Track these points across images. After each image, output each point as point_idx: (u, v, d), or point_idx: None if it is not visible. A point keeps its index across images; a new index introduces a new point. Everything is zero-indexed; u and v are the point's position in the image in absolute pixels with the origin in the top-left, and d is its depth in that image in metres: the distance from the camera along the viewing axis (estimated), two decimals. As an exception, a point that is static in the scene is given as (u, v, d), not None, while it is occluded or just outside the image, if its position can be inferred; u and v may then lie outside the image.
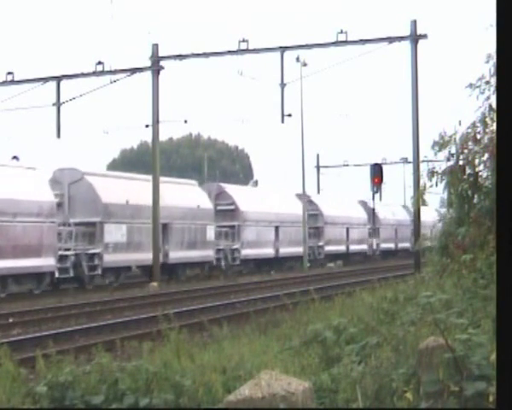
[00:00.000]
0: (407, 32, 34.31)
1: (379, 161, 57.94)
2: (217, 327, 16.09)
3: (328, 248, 58.75)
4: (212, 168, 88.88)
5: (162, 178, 43.18)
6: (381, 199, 70.48)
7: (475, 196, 11.47)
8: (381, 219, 66.92)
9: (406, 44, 34.44)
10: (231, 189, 50.90)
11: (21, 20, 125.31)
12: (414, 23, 34.21)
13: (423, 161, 33.12)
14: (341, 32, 34.30)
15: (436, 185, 11.76)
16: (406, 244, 66.36)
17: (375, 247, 66.41)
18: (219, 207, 47.34)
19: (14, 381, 9.54)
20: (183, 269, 42.44)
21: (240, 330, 15.82)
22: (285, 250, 52.19)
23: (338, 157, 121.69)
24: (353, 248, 62.99)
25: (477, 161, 11.45)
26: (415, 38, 34.06)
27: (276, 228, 51.72)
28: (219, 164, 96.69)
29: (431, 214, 30.55)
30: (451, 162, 11.58)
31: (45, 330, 20.31)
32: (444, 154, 11.71)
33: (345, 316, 12.80)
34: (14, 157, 35.54)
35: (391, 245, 69.71)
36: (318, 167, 76.76)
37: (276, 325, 16.36)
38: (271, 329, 15.84)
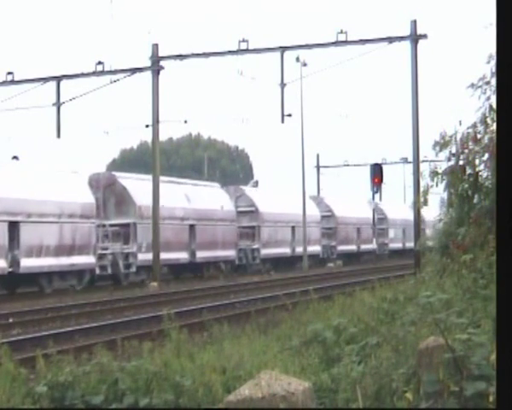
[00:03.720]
0: (407, 32, 34.31)
1: (379, 161, 58.01)
2: (217, 327, 16.08)
3: (341, 247, 61.31)
4: (212, 168, 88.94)
5: (189, 181, 48.71)
6: (380, 199, 70.47)
7: (475, 196, 11.47)
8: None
9: (406, 44, 34.45)
10: (250, 191, 53.33)
11: (21, 20, 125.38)
12: (414, 23, 34.21)
13: (423, 161, 33.20)
14: (341, 32, 34.29)
15: (437, 185, 11.77)
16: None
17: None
18: (240, 209, 49.71)
19: (14, 381, 9.52)
20: (208, 267, 44.52)
21: (240, 330, 15.80)
22: (301, 249, 53.99)
23: (338, 157, 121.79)
24: (364, 247, 65.41)
25: (477, 161, 11.45)
26: (415, 38, 34.05)
27: (293, 228, 53.94)
28: (219, 164, 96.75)
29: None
30: (452, 162, 11.58)
31: (45, 330, 20.30)
32: (444, 154, 11.72)
33: (345, 316, 12.79)
34: (14, 157, 35.58)
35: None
36: (318, 167, 76.71)
37: (276, 325, 16.34)
38: (271, 329, 15.83)
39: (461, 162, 11.48)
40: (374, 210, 61.93)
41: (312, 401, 4.81)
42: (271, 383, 4.63)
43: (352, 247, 63.71)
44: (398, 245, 70.45)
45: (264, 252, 50.35)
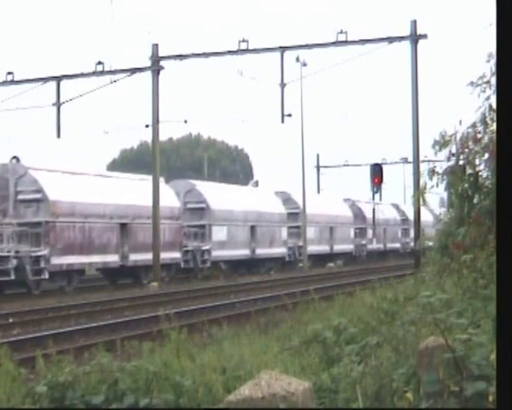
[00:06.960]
0: (407, 32, 34.30)
1: (379, 161, 58.07)
2: (217, 327, 16.07)
3: (370, 246, 68.32)
4: (212, 168, 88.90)
5: (250, 188, 57.95)
6: (381, 199, 70.64)
7: (475, 196, 11.46)
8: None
9: (406, 44, 34.45)
10: (296, 195, 58.71)
11: (21, 20, 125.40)
12: (414, 23, 34.20)
13: (423, 161, 33.16)
14: (341, 32, 34.30)
15: (437, 186, 11.76)
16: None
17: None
18: (287, 211, 55.84)
19: (14, 381, 9.52)
20: (264, 263, 50.42)
21: (240, 330, 15.80)
22: (337, 247, 62.17)
23: (338, 157, 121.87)
24: (389, 245, 72.04)
25: (477, 161, 11.44)
26: (415, 38, 34.04)
27: (331, 228, 61.17)
28: (219, 164, 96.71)
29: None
30: (452, 162, 11.57)
31: (45, 330, 20.30)
32: (444, 153, 11.70)
33: (345, 316, 12.79)
34: (14, 157, 35.57)
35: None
36: (318, 167, 76.74)
37: (276, 325, 16.34)
38: (271, 329, 15.83)
39: (461, 162, 11.46)
40: (374, 210, 62.90)
41: (312, 401, 4.81)
42: (271, 383, 4.63)
43: (380, 245, 69.83)
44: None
45: (308, 249, 55.41)
